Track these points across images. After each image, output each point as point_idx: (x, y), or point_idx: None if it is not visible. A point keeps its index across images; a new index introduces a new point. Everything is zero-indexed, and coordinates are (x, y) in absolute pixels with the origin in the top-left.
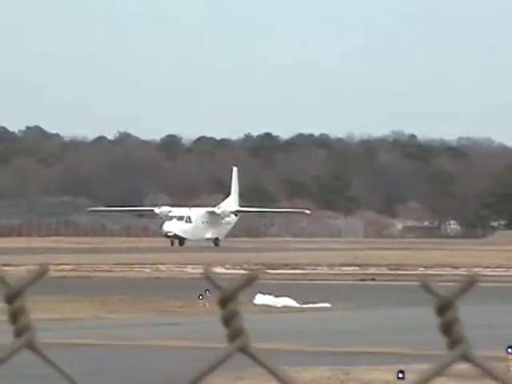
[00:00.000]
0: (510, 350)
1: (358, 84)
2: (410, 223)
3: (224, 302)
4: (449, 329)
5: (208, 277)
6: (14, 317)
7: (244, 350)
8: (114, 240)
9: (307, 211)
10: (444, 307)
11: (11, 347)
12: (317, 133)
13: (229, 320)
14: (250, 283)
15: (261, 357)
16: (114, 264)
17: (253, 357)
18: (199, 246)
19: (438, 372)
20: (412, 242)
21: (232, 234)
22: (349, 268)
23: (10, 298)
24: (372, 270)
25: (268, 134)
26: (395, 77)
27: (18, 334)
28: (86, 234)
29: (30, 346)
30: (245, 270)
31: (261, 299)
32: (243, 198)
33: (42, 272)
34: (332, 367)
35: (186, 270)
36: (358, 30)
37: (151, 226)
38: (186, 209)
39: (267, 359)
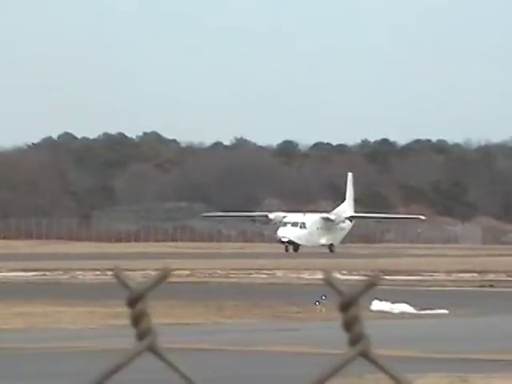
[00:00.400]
0: None
1: (475, 88)
2: None
3: (345, 306)
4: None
5: (329, 282)
6: (136, 320)
7: (365, 355)
8: (230, 245)
9: (422, 217)
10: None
11: (133, 351)
12: (434, 138)
13: (350, 325)
14: (370, 288)
15: (382, 362)
16: (231, 269)
17: (374, 362)
18: (314, 251)
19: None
20: None
21: (348, 239)
22: (467, 274)
23: (132, 302)
24: (491, 277)
25: (385, 140)
26: (510, 82)
27: (140, 337)
28: (203, 239)
29: (152, 349)
30: (362, 275)
31: (377, 305)
32: (360, 204)
33: (163, 276)
34: (450, 374)
35: (302, 275)
36: (466, 33)
37: (267, 232)
38: (301, 214)
39: (389, 365)
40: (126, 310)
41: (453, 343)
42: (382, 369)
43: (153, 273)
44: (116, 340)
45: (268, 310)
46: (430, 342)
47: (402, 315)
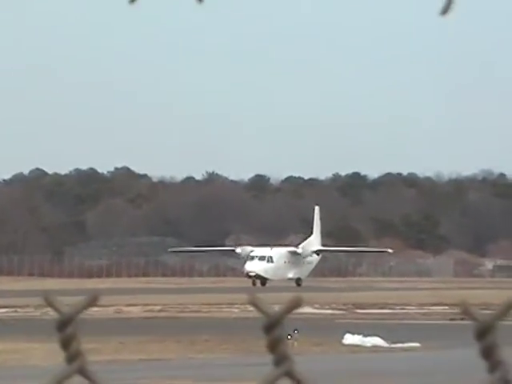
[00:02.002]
0: None
1: (447, 123)
2: (500, 262)
3: (269, 327)
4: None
5: (253, 303)
6: (66, 344)
7: (290, 374)
8: (202, 280)
9: (390, 250)
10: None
11: (62, 373)
12: (405, 172)
13: (274, 346)
14: (293, 309)
15: (306, 381)
16: (202, 304)
17: (297, 381)
18: (281, 285)
19: None
20: (502, 281)
21: (320, 273)
22: (438, 307)
23: (62, 326)
24: None
25: (356, 173)
26: (482, 115)
27: (70, 360)
28: (175, 274)
29: (82, 372)
30: (334, 309)
31: (350, 339)
32: (331, 237)
33: (92, 300)
34: None
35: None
36: (445, 69)
37: (239, 266)
38: (268, 248)
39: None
40: (97, 345)
41: (424, 376)
42: None
43: (124, 308)
44: None
45: (240, 344)
46: (402, 376)
47: (374, 349)
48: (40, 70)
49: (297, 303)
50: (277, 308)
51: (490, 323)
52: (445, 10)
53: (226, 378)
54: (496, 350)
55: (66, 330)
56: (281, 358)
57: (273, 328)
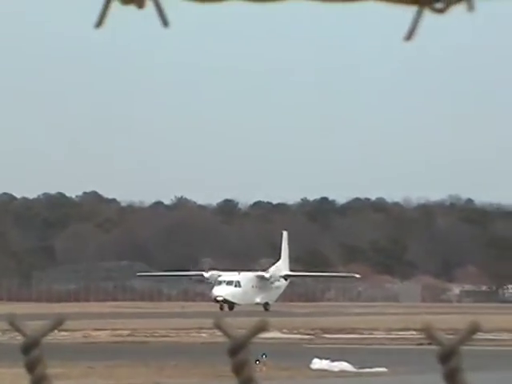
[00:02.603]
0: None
1: (415, 148)
2: (467, 287)
3: (235, 351)
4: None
5: (218, 326)
6: (31, 366)
7: None
8: (171, 305)
9: (357, 275)
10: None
11: None
12: (373, 197)
13: (240, 368)
14: (259, 332)
15: None
16: (171, 329)
17: None
18: (249, 310)
19: None
20: (470, 307)
21: (288, 298)
22: (406, 332)
23: (27, 348)
24: None
25: (324, 198)
26: (452, 142)
27: (35, 383)
28: (143, 298)
29: None
30: (302, 334)
31: (317, 364)
32: (300, 263)
33: (58, 323)
34: None
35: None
36: (415, 95)
37: (208, 291)
38: (235, 273)
39: None
40: (65, 370)
41: None
42: None
43: (92, 333)
44: None
45: (209, 369)
46: None
47: (342, 373)
48: (7, 92)
49: (262, 327)
50: (243, 332)
51: (453, 347)
52: (409, 36)
53: None
54: (459, 373)
55: (31, 353)
56: (246, 382)
57: (238, 351)
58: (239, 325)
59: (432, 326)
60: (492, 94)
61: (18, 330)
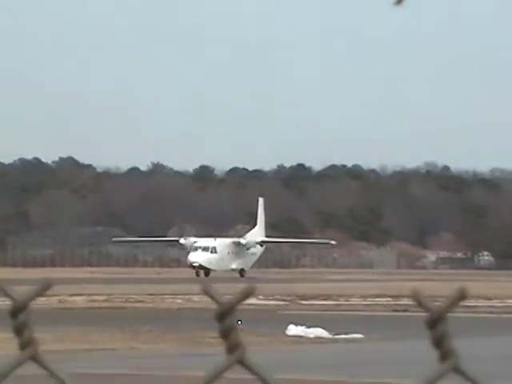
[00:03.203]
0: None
1: (391, 115)
2: (442, 254)
3: (222, 316)
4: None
5: (206, 291)
6: (19, 331)
7: (241, 362)
8: (146, 271)
9: (333, 242)
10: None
11: (15, 360)
12: (349, 164)
13: (227, 333)
14: (246, 298)
15: (257, 369)
16: (147, 294)
17: (250, 369)
18: (225, 276)
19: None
20: (445, 274)
21: (264, 264)
22: (381, 299)
23: (15, 312)
24: (404, 301)
25: (300, 165)
26: (429, 108)
27: (22, 347)
28: (119, 264)
29: (34, 358)
30: (278, 300)
31: (293, 330)
32: (275, 229)
33: (45, 287)
34: None
35: None
36: (397, 56)
37: (183, 257)
38: (212, 239)
39: (263, 371)
40: (40, 335)
41: (367, 367)
42: (258, 376)
43: (68, 298)
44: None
45: (183, 335)
46: (345, 367)
47: (317, 340)
48: None
49: (250, 293)
50: (230, 297)
51: (441, 313)
52: (398, 1)
53: (170, 367)
54: (447, 339)
55: (19, 317)
56: (233, 346)
57: (225, 316)
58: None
59: (420, 292)
60: (471, 62)
61: (5, 293)
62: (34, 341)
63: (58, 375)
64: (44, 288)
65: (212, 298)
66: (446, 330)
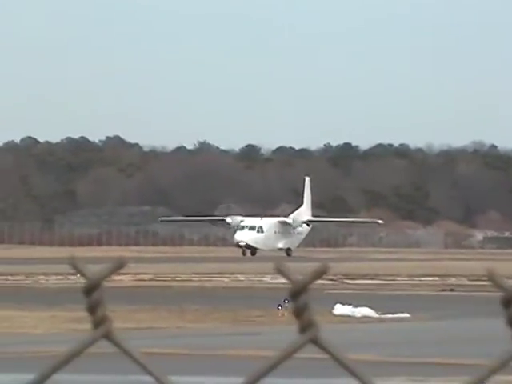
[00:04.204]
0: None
1: (437, 94)
2: (490, 234)
3: (296, 294)
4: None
5: (280, 270)
6: (92, 309)
7: (314, 341)
8: (193, 249)
9: (380, 221)
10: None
11: (89, 338)
12: (396, 143)
13: (300, 312)
14: (320, 276)
15: (332, 349)
16: (193, 273)
17: (323, 348)
18: (271, 255)
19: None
20: (492, 253)
21: (311, 243)
22: (428, 278)
23: (89, 291)
24: (452, 281)
25: (347, 144)
26: (475, 87)
27: (96, 325)
28: (165, 243)
29: (108, 337)
30: (324, 279)
31: (340, 309)
32: (322, 208)
33: (119, 265)
34: (411, 378)
35: (264, 279)
36: (433, 40)
37: (229, 236)
38: (258, 218)
39: (338, 351)
40: (86, 314)
41: (414, 347)
42: (332, 355)
43: (115, 277)
44: None
45: (230, 314)
46: (392, 346)
47: (364, 319)
48: (32, 41)
49: (323, 271)
50: (304, 276)
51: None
52: None
53: (218, 347)
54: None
55: (92, 295)
56: (306, 325)
57: (299, 295)
58: (260, 270)
59: (495, 272)
60: None
61: (79, 271)
62: (107, 319)
63: (132, 353)
64: (118, 266)
65: (285, 276)
66: None
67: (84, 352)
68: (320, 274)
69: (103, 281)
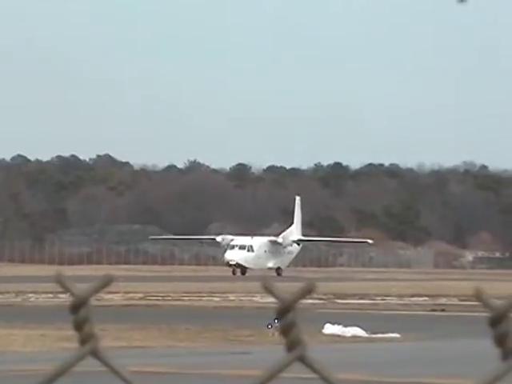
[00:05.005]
0: None
1: (429, 114)
2: (480, 254)
3: (283, 312)
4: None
5: (267, 288)
6: (79, 326)
7: (302, 359)
8: (183, 268)
9: (370, 241)
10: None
11: (76, 355)
12: (387, 162)
13: (288, 330)
14: (307, 294)
15: (318, 366)
16: (183, 293)
17: (309, 366)
18: (261, 275)
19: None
20: (483, 273)
21: (300, 263)
22: (418, 298)
23: (75, 308)
24: (442, 301)
25: (338, 164)
26: (466, 107)
27: (83, 342)
28: (156, 262)
29: (94, 353)
30: (314, 299)
31: (330, 329)
32: (312, 228)
33: (106, 282)
34: None
35: (254, 299)
36: (426, 60)
37: (220, 255)
38: (248, 238)
39: (324, 368)
40: (76, 332)
41: (404, 367)
42: (319, 374)
43: (105, 296)
44: None
45: (220, 333)
46: (382, 366)
47: (354, 339)
48: (26, 55)
49: (310, 289)
50: (290, 294)
51: (503, 312)
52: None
53: (209, 366)
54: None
55: (79, 312)
56: (294, 343)
57: (286, 313)
58: (250, 289)
59: (483, 291)
60: (504, 61)
61: (65, 288)
62: (94, 336)
63: (120, 371)
64: (105, 283)
65: (272, 294)
66: (508, 329)
67: (70, 370)
68: (307, 292)
69: (90, 298)
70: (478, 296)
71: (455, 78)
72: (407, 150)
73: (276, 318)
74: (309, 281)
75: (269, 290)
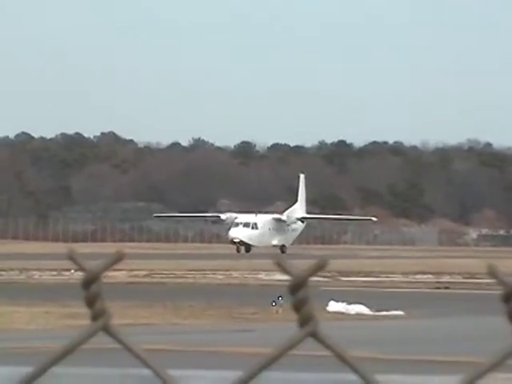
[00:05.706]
0: None
1: (433, 91)
2: (484, 231)
3: (295, 288)
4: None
5: (280, 264)
6: (91, 302)
7: (314, 335)
8: (188, 246)
9: (374, 218)
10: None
11: (87, 331)
12: (391, 140)
13: (300, 306)
14: (319, 270)
15: (330, 342)
16: (187, 270)
17: (322, 341)
18: (266, 252)
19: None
20: (487, 251)
21: (305, 240)
22: (423, 276)
23: (87, 283)
24: (446, 278)
25: (342, 142)
26: (470, 84)
27: (94, 318)
28: (160, 239)
29: (106, 329)
30: (318, 276)
31: (334, 306)
32: (316, 206)
33: (117, 258)
34: (404, 375)
35: (258, 276)
36: (429, 38)
37: (224, 233)
38: (253, 215)
39: (336, 345)
40: (82, 310)
41: (408, 344)
42: (332, 349)
43: (110, 273)
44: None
45: (224, 310)
46: (386, 343)
47: (358, 316)
48: (28, 36)
49: (322, 265)
50: (303, 270)
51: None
52: None
53: (214, 343)
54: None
55: (91, 287)
56: (306, 319)
57: (298, 289)
58: (255, 267)
59: (496, 267)
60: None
61: (77, 264)
62: (105, 312)
63: (131, 347)
64: (116, 260)
65: (285, 270)
66: None
67: (82, 345)
68: (319, 267)
69: (102, 274)
70: (492, 272)
71: (459, 56)
72: (411, 127)
73: (280, 296)
74: (321, 257)
75: (281, 266)
